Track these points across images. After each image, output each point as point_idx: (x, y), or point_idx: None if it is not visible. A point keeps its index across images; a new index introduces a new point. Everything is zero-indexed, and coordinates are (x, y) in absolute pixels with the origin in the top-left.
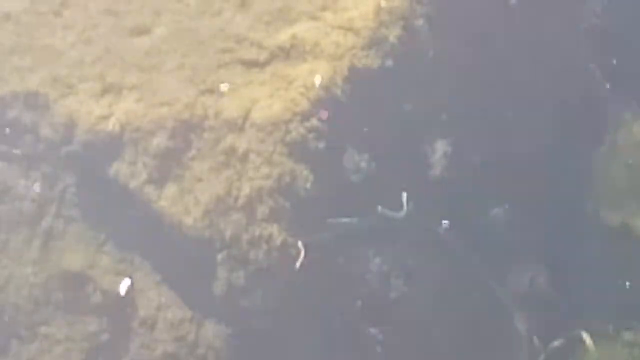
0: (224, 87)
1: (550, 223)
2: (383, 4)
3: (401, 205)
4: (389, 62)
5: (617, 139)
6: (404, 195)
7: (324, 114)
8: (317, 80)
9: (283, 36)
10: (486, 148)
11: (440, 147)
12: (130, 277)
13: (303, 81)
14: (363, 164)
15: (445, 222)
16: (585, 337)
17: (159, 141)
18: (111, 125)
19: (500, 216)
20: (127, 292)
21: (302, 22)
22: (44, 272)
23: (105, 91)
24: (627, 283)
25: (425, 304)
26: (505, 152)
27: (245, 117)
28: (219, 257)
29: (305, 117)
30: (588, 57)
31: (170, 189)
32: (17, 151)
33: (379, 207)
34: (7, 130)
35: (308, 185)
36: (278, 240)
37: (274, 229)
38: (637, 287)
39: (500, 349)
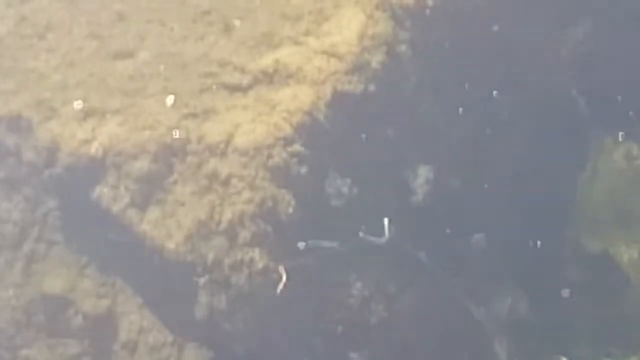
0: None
1: (531, 249)
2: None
3: (383, 231)
4: (372, 88)
5: (598, 165)
6: (386, 220)
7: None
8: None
9: (266, 61)
10: (468, 174)
11: (423, 173)
12: None
13: (286, 106)
14: (345, 189)
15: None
16: None
17: (142, 165)
18: (94, 149)
19: (482, 242)
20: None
21: (286, 47)
22: (26, 295)
23: (88, 115)
24: (606, 309)
25: (405, 329)
26: (486, 178)
27: (228, 142)
28: (201, 281)
29: (287, 142)
30: (570, 83)
31: (153, 213)
32: None
33: (361, 233)
34: None
35: (290, 210)
36: (260, 265)
37: (255, 253)
38: (616, 314)
39: None
